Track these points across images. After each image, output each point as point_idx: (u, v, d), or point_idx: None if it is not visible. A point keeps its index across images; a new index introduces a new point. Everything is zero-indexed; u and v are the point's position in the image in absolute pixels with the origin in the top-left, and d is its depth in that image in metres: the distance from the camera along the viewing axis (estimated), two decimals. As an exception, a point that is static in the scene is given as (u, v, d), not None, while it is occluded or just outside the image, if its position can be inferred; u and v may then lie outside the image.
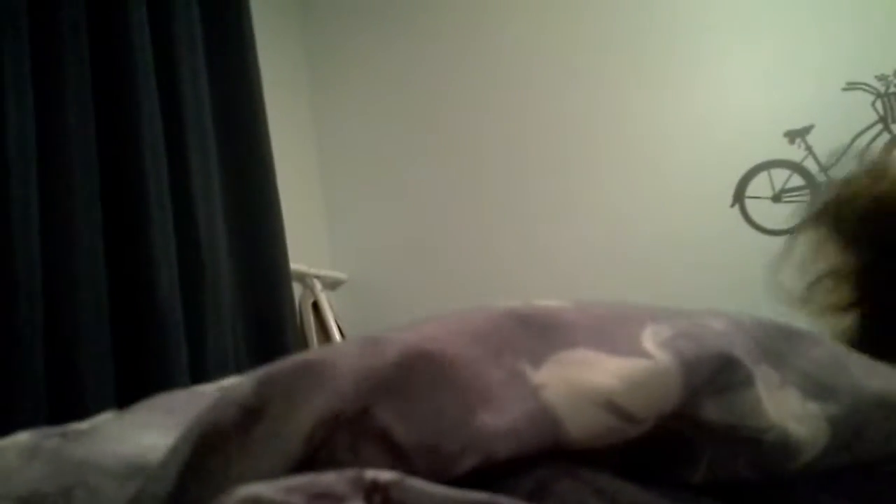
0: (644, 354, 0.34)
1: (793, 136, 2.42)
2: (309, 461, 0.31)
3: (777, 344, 0.39)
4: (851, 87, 2.36)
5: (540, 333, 0.35)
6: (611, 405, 0.33)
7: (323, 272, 2.54)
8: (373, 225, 2.79)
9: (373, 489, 0.29)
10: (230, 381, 0.35)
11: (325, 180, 2.85)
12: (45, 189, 1.41)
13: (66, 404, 1.36)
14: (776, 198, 2.43)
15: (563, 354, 0.35)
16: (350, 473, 0.29)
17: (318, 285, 2.45)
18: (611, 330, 0.36)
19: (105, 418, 0.37)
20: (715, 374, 0.34)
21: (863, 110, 2.35)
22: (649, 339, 0.35)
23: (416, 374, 0.33)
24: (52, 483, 0.32)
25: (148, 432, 0.36)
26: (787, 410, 0.35)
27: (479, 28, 2.77)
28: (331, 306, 2.45)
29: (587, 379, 0.33)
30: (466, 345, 0.34)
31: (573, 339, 0.35)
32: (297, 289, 2.35)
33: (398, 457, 0.31)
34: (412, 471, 0.30)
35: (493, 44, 2.74)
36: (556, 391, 0.33)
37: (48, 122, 1.43)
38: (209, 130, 1.80)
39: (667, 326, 0.36)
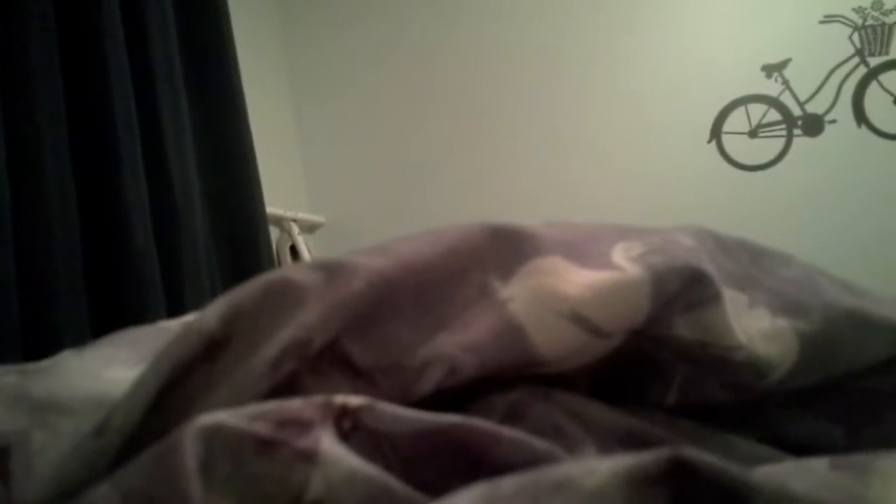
0: (613, 267, 0.34)
1: (770, 70, 2.40)
2: (276, 391, 0.31)
3: (744, 267, 0.39)
4: (828, 19, 2.34)
5: (512, 245, 0.35)
6: (576, 316, 0.33)
7: (300, 215, 2.52)
8: (350, 167, 2.76)
9: (342, 414, 0.28)
10: (194, 315, 0.34)
11: (301, 123, 2.81)
12: (12, 138, 1.38)
13: (41, 356, 1.35)
14: (753, 133, 2.42)
15: (533, 263, 0.34)
16: (318, 399, 0.28)
17: (295, 228, 2.44)
18: (582, 245, 0.35)
19: (65, 355, 0.36)
20: (685, 288, 0.34)
21: (840, 43, 2.34)
22: (620, 254, 0.35)
23: (380, 302, 0.33)
24: (10, 423, 0.31)
25: (111, 367, 0.35)
26: (757, 329, 0.35)
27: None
28: (309, 250, 2.44)
29: (553, 288, 0.33)
30: (436, 265, 0.33)
31: (545, 248, 0.35)
32: (274, 232, 2.33)
33: (363, 380, 0.31)
34: (380, 394, 0.30)
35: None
36: (521, 303, 0.33)
37: (12, 68, 1.39)
38: (178, 74, 1.76)
39: (638, 243, 0.35)
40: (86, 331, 1.45)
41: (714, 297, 0.35)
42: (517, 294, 0.33)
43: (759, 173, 2.40)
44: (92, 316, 1.49)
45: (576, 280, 0.33)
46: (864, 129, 2.27)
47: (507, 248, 0.35)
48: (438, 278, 0.33)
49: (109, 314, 1.50)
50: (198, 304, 1.69)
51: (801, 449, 0.35)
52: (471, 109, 2.67)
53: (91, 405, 0.32)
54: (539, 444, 0.29)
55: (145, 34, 1.68)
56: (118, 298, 1.54)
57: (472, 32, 2.69)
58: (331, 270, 0.33)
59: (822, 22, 2.36)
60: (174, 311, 1.59)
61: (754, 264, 0.38)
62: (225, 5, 1.98)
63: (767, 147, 2.41)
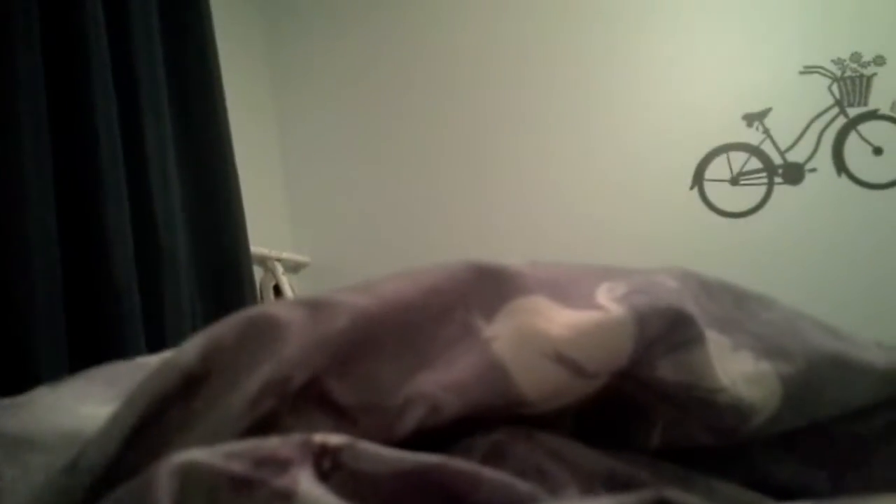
0: (598, 307, 0.34)
1: (751, 119, 2.44)
2: (255, 429, 0.30)
3: (727, 310, 0.39)
4: (808, 70, 2.39)
5: (495, 284, 0.35)
6: (560, 357, 0.32)
7: (284, 255, 2.51)
8: (335, 207, 2.77)
9: (322, 453, 0.28)
10: (173, 351, 0.34)
11: (286, 162, 2.81)
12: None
13: (18, 390, 1.32)
14: (734, 181, 2.45)
15: (516, 302, 0.34)
16: (297, 438, 0.28)
17: (279, 268, 2.42)
18: (566, 284, 0.35)
19: (40, 391, 0.36)
20: (668, 329, 0.34)
21: (819, 93, 2.38)
22: (604, 294, 0.35)
23: (363, 340, 0.32)
24: None
25: (86, 403, 0.34)
26: (740, 373, 0.35)
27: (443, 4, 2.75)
28: (293, 289, 2.43)
29: (537, 328, 0.32)
30: (419, 303, 0.33)
31: (528, 288, 0.34)
32: (257, 272, 2.32)
33: (343, 419, 0.30)
34: (360, 433, 0.29)
35: (457, 19, 2.73)
36: (505, 343, 0.32)
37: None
38: (165, 110, 1.76)
39: (622, 283, 0.35)
40: (63, 364, 1.43)
41: (697, 339, 0.35)
42: (501, 333, 0.33)
43: (741, 220, 2.42)
44: (70, 349, 1.46)
45: (560, 320, 0.33)
46: (844, 178, 2.30)
47: (490, 287, 0.35)
48: (421, 316, 0.33)
49: (88, 348, 1.48)
50: (179, 342, 1.66)
51: (785, 493, 0.35)
52: (453, 153, 2.69)
53: (64, 441, 0.31)
54: (522, 485, 0.29)
55: (132, 66, 1.69)
56: (97, 333, 1.52)
57: (455, 74, 2.72)
58: (313, 307, 0.32)
59: (801, 73, 2.40)
60: (155, 348, 1.57)
61: (737, 307, 0.39)
62: (212, 40, 1.99)
63: (749, 194, 2.43)
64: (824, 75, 2.39)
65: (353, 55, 2.81)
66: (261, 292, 2.34)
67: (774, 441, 0.36)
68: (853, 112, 2.35)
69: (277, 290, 2.40)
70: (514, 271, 0.35)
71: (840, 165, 2.33)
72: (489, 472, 0.29)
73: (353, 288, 0.34)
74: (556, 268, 0.38)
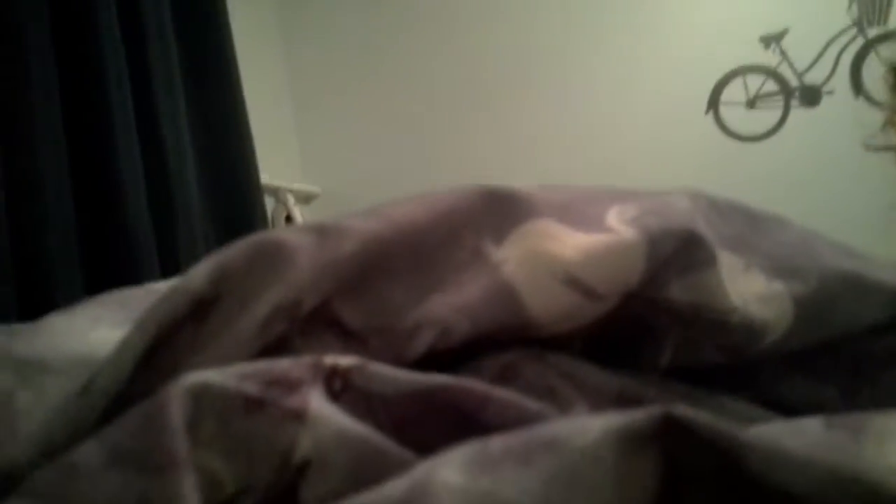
0: (608, 230, 0.33)
1: (767, 40, 2.39)
2: (265, 352, 0.30)
3: (739, 230, 0.38)
4: (827, -11, 2.33)
5: (505, 208, 0.34)
6: (570, 278, 0.32)
7: (295, 185, 2.51)
8: (345, 136, 2.75)
9: (332, 374, 0.28)
10: (183, 276, 0.34)
11: (294, 92, 2.79)
12: (3, 115, 1.36)
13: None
14: (750, 103, 2.41)
15: (526, 226, 0.34)
16: (308, 359, 0.28)
17: (291, 199, 2.43)
18: (576, 208, 0.35)
19: (53, 316, 0.36)
20: (679, 250, 0.33)
21: (838, 14, 2.32)
22: (614, 217, 0.34)
23: (372, 264, 0.32)
24: None
25: (98, 326, 0.35)
26: (751, 292, 0.35)
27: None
28: (304, 220, 2.44)
29: (547, 251, 0.32)
30: (429, 227, 0.33)
31: (539, 211, 0.34)
32: (269, 203, 2.33)
33: (354, 342, 0.30)
34: (371, 356, 0.29)
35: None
36: (515, 266, 0.32)
37: (5, 47, 1.37)
38: (171, 42, 1.74)
39: (633, 205, 0.35)
40: (80, 300, 1.45)
41: (709, 260, 0.35)
42: (511, 256, 0.33)
43: (757, 144, 2.39)
44: (87, 286, 1.48)
45: (570, 243, 0.33)
46: (861, 100, 2.26)
47: (500, 211, 0.34)
48: (431, 241, 0.33)
49: (104, 282, 1.49)
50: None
51: (795, 411, 0.35)
52: (470, 76, 2.65)
53: (77, 365, 0.32)
54: (531, 404, 0.29)
55: (137, 5, 1.67)
56: (113, 272, 1.53)
57: (470, 15, 2.67)
58: (322, 232, 0.32)
59: (820, -8, 2.34)
60: (169, 277, 1.59)
61: (749, 227, 0.38)
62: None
63: (765, 118, 2.40)
64: (844, -6, 2.33)
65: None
66: (272, 223, 2.35)
67: (785, 360, 0.36)
68: (872, 32, 2.29)
69: (289, 221, 2.41)
70: (523, 195, 0.35)
71: (858, 87, 2.28)
72: (498, 391, 0.29)
73: (362, 213, 0.34)
74: (566, 191, 0.38)
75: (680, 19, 2.45)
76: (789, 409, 0.35)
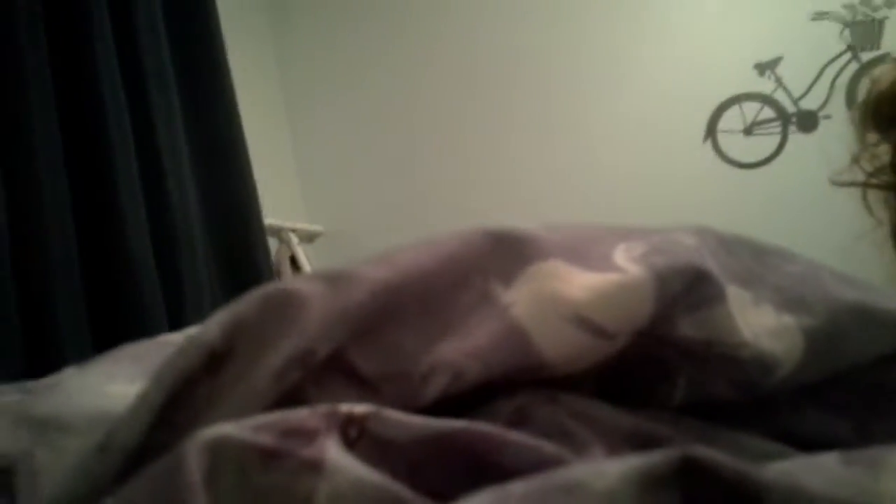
0: (616, 269, 0.34)
1: (762, 68, 2.41)
2: (280, 403, 0.30)
3: (747, 264, 0.39)
4: (819, 16, 2.35)
5: (512, 250, 0.35)
6: (580, 319, 0.33)
7: (299, 225, 2.52)
8: (347, 175, 2.77)
9: (348, 422, 0.28)
10: (196, 329, 0.34)
11: (295, 132, 2.81)
12: (6, 153, 1.38)
13: (43, 374, 1.34)
14: (748, 131, 2.43)
15: (534, 267, 0.34)
16: (323, 408, 0.28)
17: (294, 239, 2.44)
18: (583, 247, 0.35)
19: (67, 372, 0.36)
20: (688, 288, 0.34)
21: (831, 39, 2.34)
22: (622, 255, 0.35)
23: (383, 311, 0.33)
24: (12, 443, 0.31)
25: (113, 382, 0.35)
26: (762, 326, 0.35)
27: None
28: (309, 260, 2.44)
29: (556, 292, 0.33)
30: (437, 272, 0.33)
31: (546, 252, 0.35)
32: (272, 244, 2.33)
33: (367, 389, 0.31)
34: (384, 403, 0.30)
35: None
36: (524, 308, 0.33)
37: (4, 80, 1.39)
38: (172, 84, 1.76)
39: (639, 243, 0.35)
40: (88, 348, 1.45)
41: (718, 296, 0.35)
42: (520, 298, 0.33)
43: (756, 171, 2.40)
44: (93, 333, 1.48)
45: (578, 283, 0.33)
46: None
47: (507, 253, 0.35)
48: (440, 285, 0.33)
49: (110, 330, 1.50)
50: (199, 320, 1.68)
51: (809, 445, 0.35)
52: (467, 113, 2.68)
53: (94, 422, 0.32)
54: (547, 447, 0.29)
55: (136, 42, 1.69)
56: (119, 314, 1.54)
57: (467, 35, 2.70)
58: (332, 280, 0.33)
59: (812, 19, 2.37)
60: (174, 319, 1.59)
61: (756, 261, 0.38)
62: (215, 11, 1.98)
63: (763, 144, 2.41)
64: (836, 20, 2.35)
65: (363, 21, 2.79)
66: (277, 264, 2.36)
67: (797, 393, 0.36)
68: (866, 56, 2.31)
69: (294, 262, 2.41)
70: (530, 236, 0.35)
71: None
72: (514, 435, 0.29)
73: (370, 260, 0.34)
74: (572, 230, 0.38)
75: (675, 50, 2.48)
76: (803, 443, 0.35)
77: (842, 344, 0.34)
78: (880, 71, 0.69)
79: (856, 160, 0.67)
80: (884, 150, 0.66)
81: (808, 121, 2.36)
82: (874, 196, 0.68)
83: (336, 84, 2.78)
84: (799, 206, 2.28)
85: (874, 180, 0.65)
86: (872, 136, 0.66)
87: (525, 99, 2.60)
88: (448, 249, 0.34)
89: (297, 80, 2.81)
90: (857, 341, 0.34)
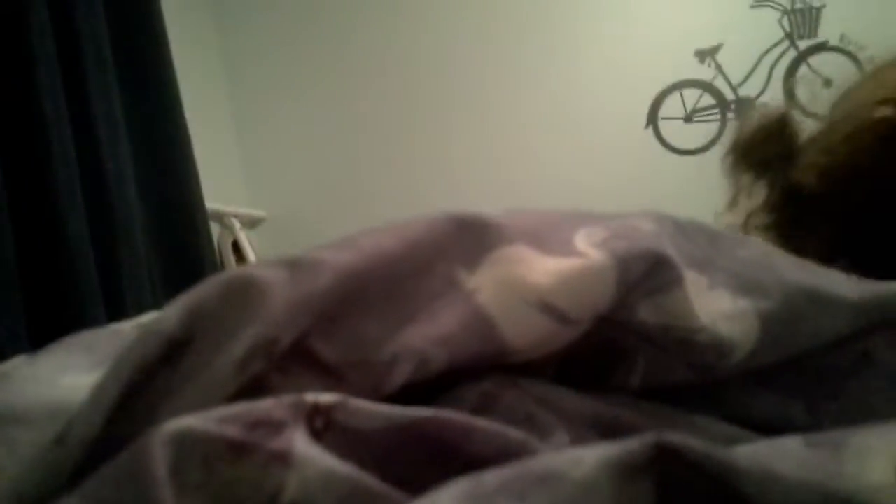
0: (578, 254, 0.34)
1: (702, 55, 2.45)
2: (243, 392, 0.30)
3: (703, 249, 0.39)
4: (759, 4, 2.40)
5: (476, 235, 0.35)
6: (544, 305, 0.33)
7: (241, 210, 2.48)
8: (290, 159, 2.73)
9: (314, 413, 0.28)
10: (149, 317, 0.33)
11: (237, 115, 2.76)
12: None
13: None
14: (688, 118, 2.47)
15: (498, 252, 0.34)
16: (289, 398, 0.28)
17: (236, 224, 2.40)
18: (544, 232, 0.35)
19: (17, 362, 0.35)
20: (647, 273, 0.34)
21: (770, 27, 2.39)
22: (583, 240, 0.35)
23: (347, 298, 0.32)
24: None
25: (67, 373, 0.34)
26: (718, 311, 0.36)
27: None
28: (252, 245, 2.41)
29: (520, 278, 0.33)
30: (401, 257, 0.33)
31: (509, 237, 0.35)
32: (215, 229, 2.29)
33: (331, 377, 0.30)
34: (349, 391, 0.29)
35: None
36: (489, 294, 0.33)
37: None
38: (110, 62, 1.71)
39: (600, 228, 0.36)
40: (21, 325, 1.41)
41: (676, 281, 0.35)
42: (484, 284, 0.33)
43: (696, 157, 2.45)
44: (27, 310, 1.44)
45: (542, 268, 0.33)
46: (795, 111, 2.33)
47: (471, 238, 0.35)
48: (404, 271, 0.33)
49: (45, 308, 1.46)
50: (138, 299, 1.65)
51: (763, 427, 0.36)
52: (408, 97, 2.66)
53: (49, 414, 0.31)
54: (513, 433, 0.29)
55: (74, 23, 1.64)
56: (55, 299, 1.50)
57: (408, 19, 2.68)
58: (294, 266, 0.32)
59: (752, 7, 2.41)
60: (113, 305, 1.56)
61: (712, 246, 0.39)
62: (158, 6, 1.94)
63: (703, 131, 2.46)
64: (775, 8, 2.41)
65: (307, 4, 2.75)
66: (219, 249, 2.32)
67: (751, 376, 0.37)
68: (803, 45, 2.37)
69: (236, 247, 2.38)
70: (493, 221, 0.35)
71: (791, 99, 2.35)
72: (481, 422, 0.29)
73: (333, 245, 0.34)
74: (533, 215, 0.38)
75: (616, 36, 2.50)
76: (757, 425, 0.36)
77: (796, 327, 0.35)
78: (747, 117, 0.72)
79: (734, 203, 0.70)
80: (757, 192, 0.69)
81: (746, 108, 2.41)
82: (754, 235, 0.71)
83: (279, 68, 2.73)
84: (737, 191, 2.33)
85: (752, 221, 0.69)
86: (747, 178, 0.70)
87: (464, 84, 2.60)
88: (412, 234, 0.34)
89: (239, 64, 2.76)
90: (811, 325, 0.35)
